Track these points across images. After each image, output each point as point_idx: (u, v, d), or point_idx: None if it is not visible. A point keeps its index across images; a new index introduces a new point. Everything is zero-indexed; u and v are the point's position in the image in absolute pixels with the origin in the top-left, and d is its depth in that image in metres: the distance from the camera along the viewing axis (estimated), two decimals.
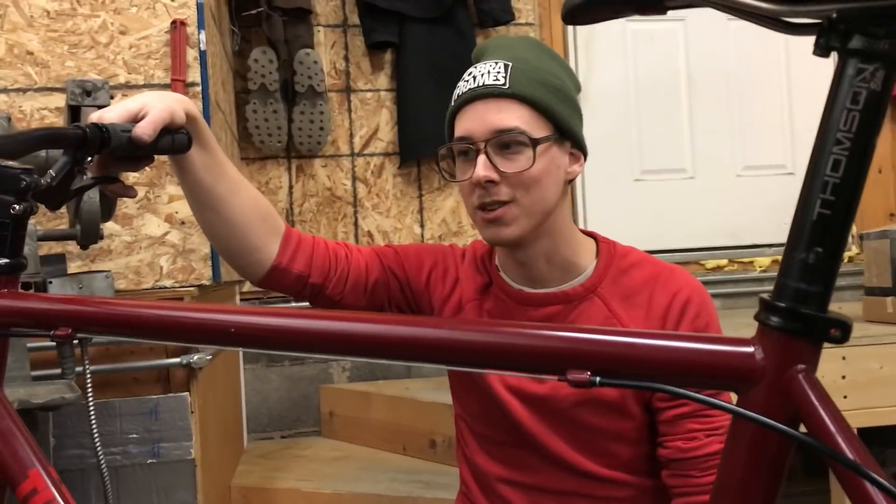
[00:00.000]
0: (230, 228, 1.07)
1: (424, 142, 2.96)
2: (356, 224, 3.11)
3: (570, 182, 1.16)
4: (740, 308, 3.25)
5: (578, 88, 1.18)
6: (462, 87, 1.12)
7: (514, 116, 1.08)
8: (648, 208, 3.32)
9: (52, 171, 0.85)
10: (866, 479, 0.50)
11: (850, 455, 0.51)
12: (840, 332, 0.54)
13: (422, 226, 3.15)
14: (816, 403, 0.52)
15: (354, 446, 2.79)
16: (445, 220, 3.15)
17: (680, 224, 3.30)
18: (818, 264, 0.54)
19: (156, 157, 1.01)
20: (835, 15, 0.52)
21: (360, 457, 2.66)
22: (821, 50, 0.54)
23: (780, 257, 3.12)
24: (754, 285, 3.28)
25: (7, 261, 0.84)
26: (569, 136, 1.12)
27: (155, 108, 0.94)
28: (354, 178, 3.12)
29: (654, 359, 0.60)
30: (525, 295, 1.15)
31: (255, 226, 1.08)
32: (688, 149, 3.33)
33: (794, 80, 3.37)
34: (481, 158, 1.07)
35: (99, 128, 0.88)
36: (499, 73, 1.09)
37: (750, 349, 0.57)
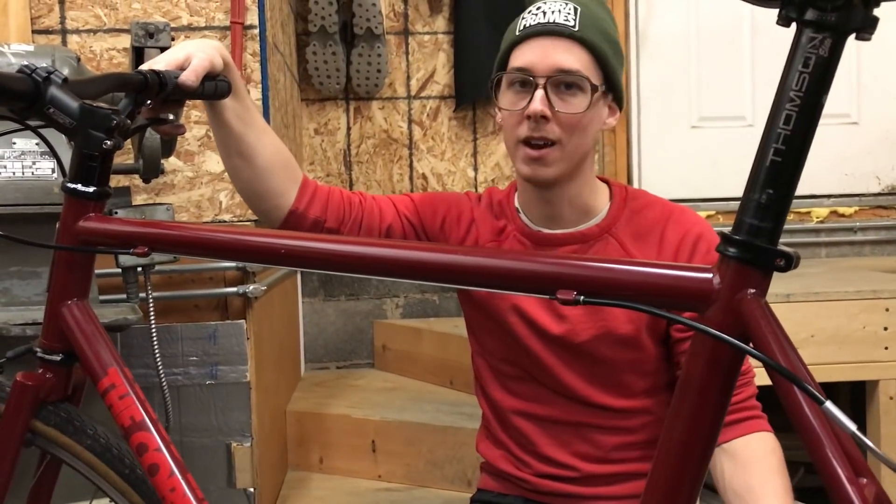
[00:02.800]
0: (254, 173, 1.16)
1: (480, 85, 3.00)
2: (411, 166, 3.19)
3: (603, 131, 1.21)
4: None
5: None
6: (529, 19, 1.15)
7: (576, 59, 1.12)
8: (705, 156, 3.30)
9: (123, 115, 0.94)
10: (796, 385, 0.56)
11: (783, 364, 0.57)
12: (784, 261, 0.61)
13: (475, 169, 3.21)
14: (761, 322, 0.60)
15: (405, 379, 2.92)
16: (499, 163, 3.20)
17: (736, 173, 3.24)
18: (769, 204, 0.62)
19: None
20: None
21: (409, 388, 2.79)
22: (783, 20, 0.60)
23: (838, 208, 3.08)
24: (811, 236, 3.25)
25: (96, 189, 0.95)
26: (614, 88, 1.17)
27: (197, 57, 1.04)
28: (410, 121, 3.19)
29: (629, 282, 0.70)
30: (543, 236, 1.21)
31: (277, 172, 1.17)
32: (748, 96, 3.28)
33: None
34: (539, 93, 1.11)
35: (157, 74, 0.97)
36: (569, 14, 1.13)
37: (709, 276, 0.66)
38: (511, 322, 1.20)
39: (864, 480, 0.56)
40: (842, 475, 0.53)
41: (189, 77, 1.01)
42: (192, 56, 1.03)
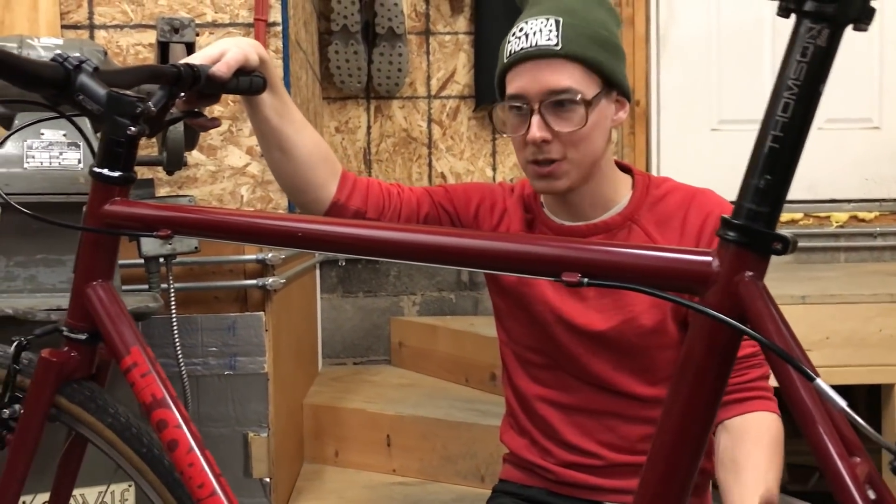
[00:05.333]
0: (295, 167, 1.19)
1: None
2: (430, 165, 3.22)
3: (615, 127, 1.22)
4: (814, 263, 3.21)
5: (619, 24, 1.22)
6: (514, 44, 1.15)
7: (566, 76, 1.12)
8: (725, 159, 3.29)
9: (150, 103, 0.97)
10: (789, 362, 0.58)
11: (778, 344, 0.59)
12: (781, 245, 0.63)
13: (494, 169, 3.23)
14: (758, 303, 0.62)
15: (420, 375, 2.94)
16: (517, 164, 3.21)
17: None
18: (767, 189, 0.64)
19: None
20: None
21: (424, 385, 2.81)
22: (782, 11, 0.62)
23: (859, 213, 3.06)
24: (830, 240, 3.23)
25: (121, 174, 0.98)
26: (617, 85, 1.18)
27: (231, 51, 1.07)
28: (430, 120, 3.21)
29: (631, 264, 0.72)
30: (567, 228, 1.23)
31: (317, 165, 1.20)
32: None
33: (885, 32, 3.27)
34: (535, 119, 1.12)
35: (191, 67, 1.01)
36: (550, 31, 1.13)
37: (709, 259, 0.68)
38: (538, 310, 1.22)
39: (858, 459, 0.57)
40: (833, 452, 0.55)
41: (221, 69, 1.04)
42: (226, 51, 1.07)
